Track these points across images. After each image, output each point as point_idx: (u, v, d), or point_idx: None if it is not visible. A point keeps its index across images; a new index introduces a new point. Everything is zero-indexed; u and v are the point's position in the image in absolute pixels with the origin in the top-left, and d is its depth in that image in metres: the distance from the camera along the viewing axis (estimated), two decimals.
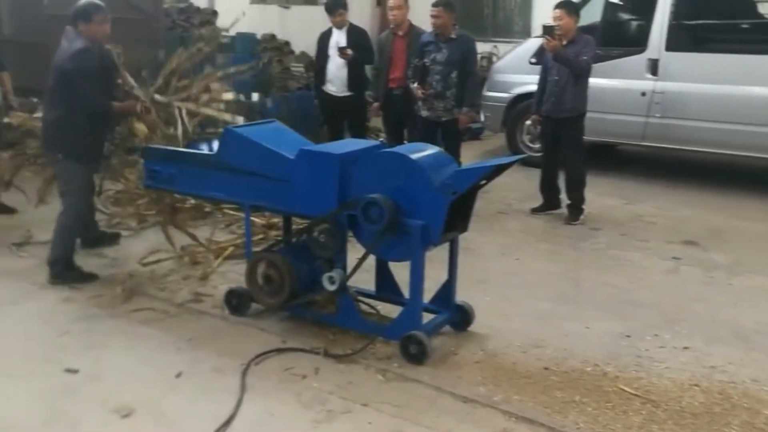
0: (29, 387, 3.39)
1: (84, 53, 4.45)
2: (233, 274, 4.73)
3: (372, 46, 7.10)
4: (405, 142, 6.65)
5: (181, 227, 5.07)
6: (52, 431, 3.08)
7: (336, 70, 6.91)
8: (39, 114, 5.26)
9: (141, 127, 4.84)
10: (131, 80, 4.96)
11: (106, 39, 4.71)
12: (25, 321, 4.10)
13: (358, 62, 6.88)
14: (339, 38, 6.86)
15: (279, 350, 3.75)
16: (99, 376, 3.50)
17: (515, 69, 8.38)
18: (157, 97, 5.01)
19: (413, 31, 6.68)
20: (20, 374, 3.51)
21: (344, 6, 6.92)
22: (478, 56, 7.39)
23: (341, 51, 6.71)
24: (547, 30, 5.88)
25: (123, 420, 3.14)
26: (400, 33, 6.68)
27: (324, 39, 7.04)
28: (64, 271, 4.60)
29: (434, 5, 6.21)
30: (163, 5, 9.55)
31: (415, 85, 6.30)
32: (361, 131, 7.16)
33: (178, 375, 3.50)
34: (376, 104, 7.01)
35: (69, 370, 3.52)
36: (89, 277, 4.65)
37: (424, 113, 6.39)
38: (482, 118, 8.64)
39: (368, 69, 7.22)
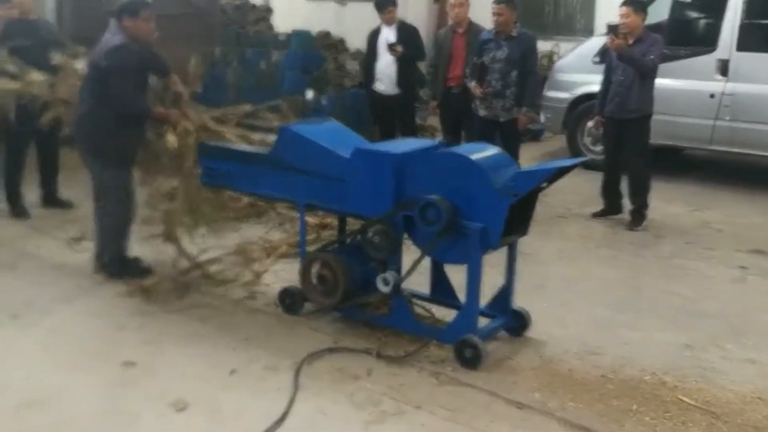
0: (88, 380, 3.45)
1: (122, 50, 4.32)
2: (286, 273, 4.74)
3: (422, 44, 7.06)
4: (462, 141, 6.57)
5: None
6: (111, 424, 3.13)
7: (385, 68, 6.86)
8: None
9: (172, 141, 4.50)
10: (183, 89, 4.70)
11: (151, 38, 4.54)
12: (83, 316, 4.17)
13: (408, 59, 6.82)
14: (388, 35, 6.82)
15: (331, 350, 3.73)
16: (155, 371, 3.54)
17: (577, 68, 8.20)
18: (211, 123, 4.69)
19: (473, 29, 6.58)
20: (79, 368, 3.57)
21: (394, 3, 6.87)
22: (539, 55, 7.26)
23: (391, 47, 6.66)
24: (612, 28, 5.74)
25: (178, 414, 3.17)
26: (460, 30, 6.60)
27: (373, 36, 7.00)
28: (119, 270, 4.62)
29: (497, 2, 6.09)
30: (219, 2, 9.67)
31: (474, 83, 6.21)
32: (410, 130, 7.09)
33: (232, 372, 3.52)
34: (433, 102, 6.94)
35: (126, 363, 3.58)
36: (145, 272, 4.66)
37: (482, 112, 6.29)
38: (542, 118, 8.48)
39: (424, 67, 7.14)
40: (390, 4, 6.83)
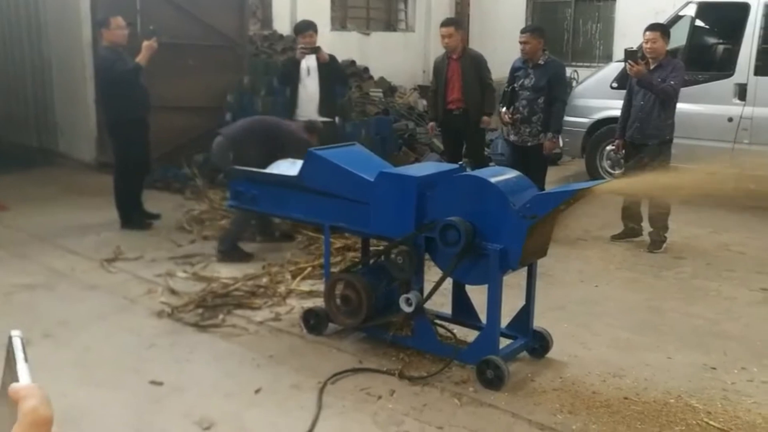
0: (117, 397, 3.53)
1: None
2: (311, 295, 4.82)
3: (344, 72, 7.11)
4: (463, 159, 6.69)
5: None
6: None
7: (308, 96, 6.74)
8: None
9: None
10: None
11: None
12: (115, 335, 4.27)
13: (329, 86, 6.80)
14: (309, 63, 6.71)
15: (355, 370, 3.79)
16: (183, 389, 3.62)
17: (595, 94, 8.29)
18: None
19: (467, 54, 6.83)
20: (109, 384, 3.66)
21: (315, 28, 6.82)
22: None
23: (316, 51, 6.55)
24: (630, 55, 5.80)
25: None
26: (454, 56, 6.80)
27: (294, 65, 6.83)
28: (231, 253, 5.45)
29: (522, 31, 6.34)
30: (248, 32, 9.87)
31: (503, 110, 6.41)
32: None
33: (258, 391, 3.58)
34: (432, 124, 7.14)
35: (154, 382, 3.65)
36: (247, 257, 5.50)
37: (512, 137, 6.49)
38: (561, 143, 8.54)
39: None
40: (310, 29, 6.75)
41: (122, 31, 6.20)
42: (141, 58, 6.08)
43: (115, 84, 6.14)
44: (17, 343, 0.86)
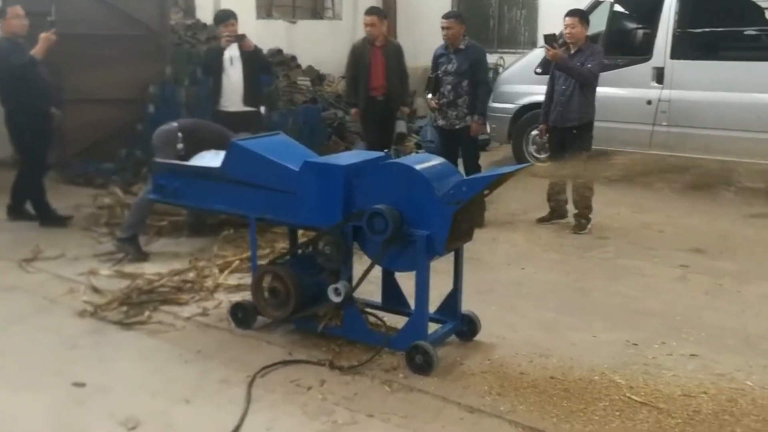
0: (38, 400, 3.41)
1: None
2: (239, 288, 4.74)
3: (267, 60, 7.25)
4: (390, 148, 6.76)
5: None
6: None
7: (231, 85, 6.62)
8: None
9: None
10: None
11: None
12: (34, 335, 4.12)
13: (253, 75, 6.71)
14: (232, 52, 6.60)
15: (285, 362, 3.75)
16: (107, 389, 3.51)
17: (521, 79, 8.43)
18: None
19: (389, 44, 6.94)
20: (30, 387, 3.53)
21: (235, 17, 6.70)
22: None
23: (240, 39, 6.48)
24: (548, 39, 5.94)
25: None
26: (377, 44, 6.87)
27: (217, 54, 6.68)
28: (127, 244, 5.32)
29: (445, 17, 6.42)
30: (170, 22, 9.61)
31: (429, 96, 6.52)
32: None
33: (186, 387, 3.51)
34: (354, 110, 7.17)
35: (77, 384, 3.54)
36: (141, 255, 5.34)
37: (440, 122, 6.57)
38: (488, 129, 8.65)
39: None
40: (231, 17, 6.63)
41: (20, 20, 5.96)
42: (37, 51, 5.86)
43: (11, 76, 5.91)
44: None
